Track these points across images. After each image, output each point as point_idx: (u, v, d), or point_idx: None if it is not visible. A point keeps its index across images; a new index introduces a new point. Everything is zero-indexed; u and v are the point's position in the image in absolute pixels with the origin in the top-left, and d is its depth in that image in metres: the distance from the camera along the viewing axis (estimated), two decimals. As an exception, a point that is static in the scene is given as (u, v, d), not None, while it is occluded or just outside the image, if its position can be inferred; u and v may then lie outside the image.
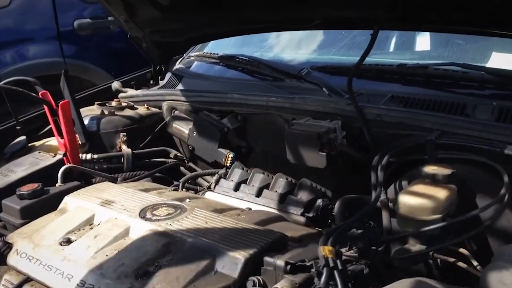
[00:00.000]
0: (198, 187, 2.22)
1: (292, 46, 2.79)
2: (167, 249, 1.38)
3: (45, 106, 2.11)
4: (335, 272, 1.16)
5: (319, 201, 1.81)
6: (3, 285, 1.48)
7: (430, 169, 1.48)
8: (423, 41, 2.47)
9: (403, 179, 1.64)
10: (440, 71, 1.97)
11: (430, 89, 1.96)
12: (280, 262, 1.25)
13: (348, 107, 1.89)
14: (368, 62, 2.05)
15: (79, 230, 1.54)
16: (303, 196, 1.83)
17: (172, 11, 2.25)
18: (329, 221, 1.81)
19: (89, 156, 2.17)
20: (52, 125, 2.10)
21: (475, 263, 1.32)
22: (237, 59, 2.56)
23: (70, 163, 2.04)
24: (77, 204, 1.66)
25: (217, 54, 2.70)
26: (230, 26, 2.43)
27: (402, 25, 1.93)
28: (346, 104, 1.90)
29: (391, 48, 2.53)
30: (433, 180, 1.46)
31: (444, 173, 1.45)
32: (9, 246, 1.53)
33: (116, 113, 2.42)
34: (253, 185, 1.93)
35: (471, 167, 1.55)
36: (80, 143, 2.23)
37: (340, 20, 2.04)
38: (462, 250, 1.36)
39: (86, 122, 2.31)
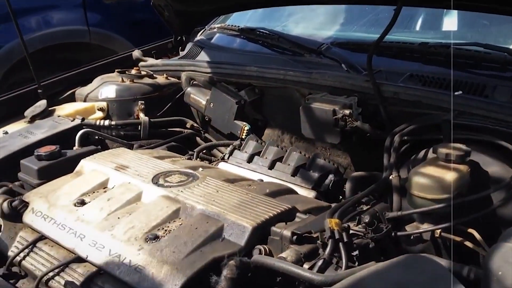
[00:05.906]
0: (212, 157, 2.23)
1: (314, 22, 2.75)
2: (177, 214, 1.41)
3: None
4: (340, 244, 1.17)
5: (331, 177, 1.80)
6: (18, 241, 1.53)
7: (444, 148, 1.46)
8: (450, 21, 2.41)
9: (416, 158, 1.63)
10: (462, 51, 1.93)
11: (450, 69, 1.92)
12: (286, 232, 1.26)
13: (366, 83, 1.86)
14: (390, 39, 2.01)
15: (93, 192, 1.59)
16: (315, 170, 1.83)
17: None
18: (340, 197, 1.82)
19: (106, 122, 2.20)
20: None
21: (482, 243, 1.32)
22: (258, 32, 2.54)
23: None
24: (93, 168, 1.70)
25: (239, 26, 2.69)
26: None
27: (426, 1, 1.88)
28: (364, 81, 1.88)
29: (418, 27, 2.47)
30: (446, 160, 1.44)
31: (457, 153, 1.43)
32: (25, 205, 1.58)
33: (135, 81, 2.44)
34: (266, 158, 1.93)
35: (486, 148, 1.53)
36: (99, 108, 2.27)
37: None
38: (470, 230, 1.35)
39: (105, 88, 2.34)
